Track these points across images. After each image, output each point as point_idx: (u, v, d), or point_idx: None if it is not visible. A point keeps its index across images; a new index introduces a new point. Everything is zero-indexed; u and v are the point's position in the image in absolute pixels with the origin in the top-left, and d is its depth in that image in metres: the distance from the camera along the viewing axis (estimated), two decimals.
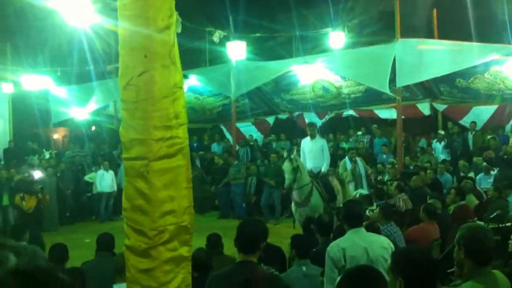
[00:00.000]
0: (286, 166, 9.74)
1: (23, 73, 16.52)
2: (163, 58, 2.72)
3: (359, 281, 2.47)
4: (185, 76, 17.07)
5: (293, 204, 10.12)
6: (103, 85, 17.54)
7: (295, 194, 9.90)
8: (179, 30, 2.86)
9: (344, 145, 16.21)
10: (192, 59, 16.60)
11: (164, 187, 2.68)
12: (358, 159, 12.27)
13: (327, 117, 17.61)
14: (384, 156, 14.94)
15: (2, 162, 16.08)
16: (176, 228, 2.72)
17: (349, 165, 12.03)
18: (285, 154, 10.45)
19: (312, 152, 10.74)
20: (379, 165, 13.69)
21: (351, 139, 16.77)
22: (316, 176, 10.47)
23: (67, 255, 6.13)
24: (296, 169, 9.61)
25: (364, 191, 10.35)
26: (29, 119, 18.18)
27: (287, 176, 9.70)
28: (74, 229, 13.43)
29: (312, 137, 10.83)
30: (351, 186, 11.66)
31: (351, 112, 17.06)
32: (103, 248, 6.60)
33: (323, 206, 9.97)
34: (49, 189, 13.01)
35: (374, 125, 16.50)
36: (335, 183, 10.91)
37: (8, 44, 17.17)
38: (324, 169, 10.63)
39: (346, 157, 12.36)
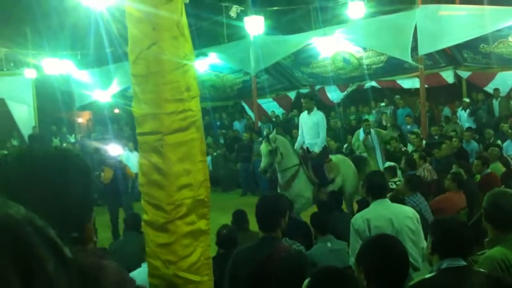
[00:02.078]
0: (263, 147, 8.76)
1: (44, 57, 16.68)
2: (171, 29, 2.66)
3: (378, 248, 2.44)
4: (205, 54, 17.09)
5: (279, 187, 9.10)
6: (123, 67, 17.58)
7: (279, 176, 8.91)
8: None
9: (367, 117, 16.02)
10: (210, 35, 16.54)
11: (179, 161, 2.65)
12: (373, 131, 12.10)
13: (348, 89, 17.43)
14: (408, 126, 14.72)
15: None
16: (193, 202, 2.69)
17: (362, 137, 11.90)
18: (265, 133, 9.56)
19: (308, 128, 9.48)
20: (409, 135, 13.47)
21: (373, 111, 16.58)
22: (306, 156, 9.23)
23: (95, 237, 6.30)
24: (273, 151, 8.60)
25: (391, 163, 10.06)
26: (53, 104, 18.40)
27: (263, 159, 8.73)
28: (101, 211, 13.58)
29: (309, 110, 9.50)
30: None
31: (373, 83, 16.85)
32: (130, 228, 6.75)
33: (311, 191, 8.92)
34: None
35: (397, 96, 16.24)
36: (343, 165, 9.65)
37: (28, 28, 17.31)
38: (317, 149, 9.20)
39: (361, 129, 12.22)
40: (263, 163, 8.71)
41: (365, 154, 11.56)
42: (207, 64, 17.44)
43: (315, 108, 9.53)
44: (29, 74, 17.05)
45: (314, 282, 2.20)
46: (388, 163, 9.81)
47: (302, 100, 10.00)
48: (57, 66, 16.33)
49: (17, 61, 17.70)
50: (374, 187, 4.43)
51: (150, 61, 2.64)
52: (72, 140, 17.14)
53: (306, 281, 2.22)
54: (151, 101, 2.66)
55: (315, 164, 9.12)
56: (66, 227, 1.18)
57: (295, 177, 8.80)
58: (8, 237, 0.58)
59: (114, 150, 10.65)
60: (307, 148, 9.33)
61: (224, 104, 19.76)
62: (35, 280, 0.57)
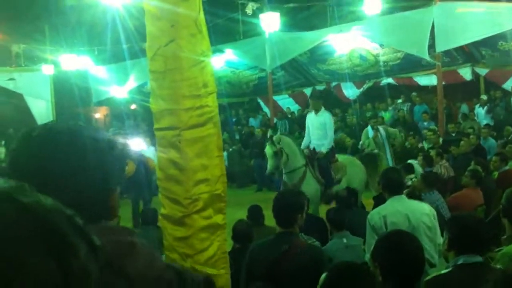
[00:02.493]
0: (267, 150, 8.59)
1: (62, 53, 16.84)
2: (189, 27, 2.70)
3: (394, 244, 2.45)
4: (221, 50, 17.14)
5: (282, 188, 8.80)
6: (140, 63, 17.70)
7: (285, 177, 8.75)
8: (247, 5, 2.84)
9: (383, 114, 15.95)
10: (225, 32, 16.56)
11: (196, 156, 2.69)
12: (381, 128, 12.06)
13: (365, 86, 17.35)
14: (425, 123, 14.64)
15: None
16: (209, 196, 2.73)
17: (371, 134, 11.87)
18: (269, 134, 9.40)
19: (314, 129, 9.19)
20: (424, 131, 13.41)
21: (390, 108, 16.50)
22: (313, 157, 8.98)
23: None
24: (278, 153, 8.43)
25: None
26: (70, 100, 18.57)
27: (269, 161, 8.60)
28: (124, 204, 13.71)
29: (316, 111, 9.14)
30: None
31: (389, 80, 16.75)
32: (147, 222, 6.88)
33: (319, 191, 8.74)
34: None
35: (414, 93, 16.14)
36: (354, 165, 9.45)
37: (46, 25, 17.49)
38: (324, 149, 8.93)
39: (369, 126, 12.18)
40: (269, 165, 8.63)
41: (376, 151, 11.54)
42: (223, 61, 17.48)
43: (323, 108, 9.18)
44: (47, 70, 17.22)
45: (332, 277, 2.22)
46: (410, 161, 9.73)
47: (309, 100, 9.84)
48: (74, 62, 16.48)
49: (35, 57, 17.89)
50: (391, 184, 4.43)
51: (168, 57, 2.68)
52: None
53: (323, 276, 2.23)
54: (168, 97, 2.70)
55: (322, 164, 8.92)
56: (90, 199, 1.23)
57: (303, 179, 8.63)
58: (40, 224, 0.60)
59: (137, 144, 10.82)
60: (314, 148, 9.09)
61: (240, 101, 19.80)
62: (70, 269, 0.59)
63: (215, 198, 2.77)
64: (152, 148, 15.02)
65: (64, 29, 17.00)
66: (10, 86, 16.98)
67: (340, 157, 9.49)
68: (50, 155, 1.22)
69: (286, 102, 18.81)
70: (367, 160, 9.81)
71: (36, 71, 17.53)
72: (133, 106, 21.04)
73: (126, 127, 17.95)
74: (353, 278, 2.20)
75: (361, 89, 17.30)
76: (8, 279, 0.53)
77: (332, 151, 9.23)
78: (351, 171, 9.20)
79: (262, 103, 19.25)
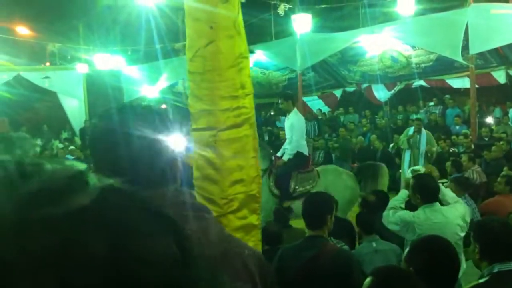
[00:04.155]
0: None
1: (95, 53, 17.13)
2: (228, 29, 2.73)
3: (431, 249, 2.43)
4: (251, 51, 17.14)
5: None
6: (171, 63, 17.92)
7: None
8: (279, 5, 2.88)
9: (414, 116, 15.75)
10: (257, 32, 16.60)
11: (232, 156, 2.72)
12: (425, 131, 11.80)
13: (396, 88, 17.18)
14: (457, 127, 14.41)
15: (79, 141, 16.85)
16: (245, 197, 2.76)
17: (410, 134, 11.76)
18: None
19: (286, 133, 8.27)
20: (453, 137, 13.21)
21: (421, 111, 16.30)
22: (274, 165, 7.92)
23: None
24: None
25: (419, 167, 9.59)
26: (102, 99, 18.86)
27: None
28: None
29: (287, 112, 7.99)
30: (407, 156, 11.40)
31: (421, 82, 16.54)
32: None
33: (271, 203, 7.51)
34: None
35: (447, 95, 15.91)
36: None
37: (81, 24, 17.81)
38: (285, 157, 7.88)
39: (412, 127, 12.06)
40: None
41: (408, 152, 11.43)
42: (253, 61, 17.52)
43: (294, 110, 7.93)
44: (81, 69, 17.54)
45: (377, 280, 2.19)
46: (417, 167, 9.42)
47: (279, 101, 8.55)
48: (108, 61, 16.75)
49: (69, 56, 18.25)
50: (426, 191, 4.33)
51: (207, 59, 2.72)
52: None
53: (368, 280, 2.21)
54: (206, 97, 2.74)
55: (280, 174, 7.78)
56: (161, 168, 1.39)
57: None
58: (165, 217, 0.61)
59: (177, 141, 10.96)
60: (281, 155, 8.06)
61: (269, 101, 19.80)
62: (186, 250, 0.59)
63: (250, 198, 2.80)
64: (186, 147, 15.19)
65: (99, 29, 17.29)
66: (45, 84, 17.35)
67: (321, 168, 8.51)
68: (128, 127, 1.36)
69: (315, 103, 18.74)
70: (366, 172, 8.52)
71: (70, 70, 17.87)
72: (163, 106, 21.23)
73: None
74: (400, 281, 2.18)
75: (392, 91, 17.13)
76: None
77: (300, 159, 7.94)
78: (329, 183, 7.75)
79: None
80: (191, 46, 2.79)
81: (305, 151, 8.05)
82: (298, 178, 7.76)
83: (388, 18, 14.95)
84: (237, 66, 2.76)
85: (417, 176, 5.37)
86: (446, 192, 4.72)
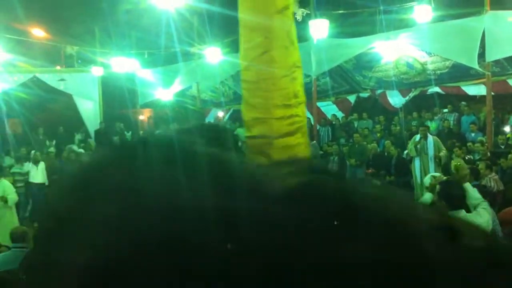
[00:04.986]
0: None
1: (111, 56, 17.24)
2: (282, 39, 2.77)
3: None
4: None
5: None
6: (186, 66, 18.02)
7: None
8: (296, 10, 2.91)
9: (429, 123, 15.71)
10: None
11: None
12: (431, 137, 11.86)
13: (411, 94, 17.16)
14: (473, 134, 14.36)
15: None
16: None
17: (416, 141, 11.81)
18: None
19: None
20: (469, 144, 13.17)
21: (436, 117, 16.26)
22: None
23: None
24: None
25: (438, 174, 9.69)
26: (117, 101, 18.98)
27: None
28: None
29: None
30: (417, 163, 11.51)
31: (436, 89, 16.52)
32: None
33: None
34: None
35: (463, 102, 15.87)
36: None
37: (96, 27, 17.93)
38: None
39: (418, 134, 12.11)
40: None
41: (418, 159, 11.48)
42: None
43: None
44: (96, 71, 17.64)
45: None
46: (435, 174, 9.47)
47: None
48: (124, 64, 16.84)
49: (85, 59, 18.36)
50: (451, 199, 4.30)
51: (261, 68, 2.76)
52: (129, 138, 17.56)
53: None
54: (260, 106, 2.77)
55: None
56: None
57: None
58: None
59: None
60: None
61: None
62: None
63: None
64: None
65: (115, 32, 17.40)
66: (61, 86, 17.46)
67: None
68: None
69: (329, 108, 18.75)
70: None
71: (85, 72, 17.99)
72: (177, 109, 21.33)
73: (171, 130, 18.17)
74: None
75: (407, 97, 17.11)
76: None
77: None
78: None
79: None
80: (246, 55, 2.83)
81: None
82: None
83: (404, 24, 14.96)
84: (291, 76, 2.80)
85: (443, 182, 5.28)
86: (472, 193, 4.70)
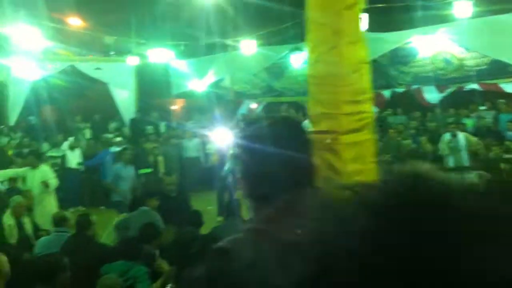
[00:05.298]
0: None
1: (147, 47, 17.42)
2: (350, 35, 2.78)
3: None
4: (299, 49, 17.18)
5: None
6: (220, 58, 18.08)
7: None
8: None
9: (465, 120, 15.46)
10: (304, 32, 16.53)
11: (352, 160, 2.76)
12: (460, 134, 11.74)
13: (447, 90, 16.87)
14: (511, 133, 14.09)
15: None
16: None
17: (447, 139, 11.68)
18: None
19: None
20: (507, 143, 12.93)
21: (472, 115, 15.97)
22: None
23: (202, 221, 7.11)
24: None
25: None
26: (151, 91, 19.15)
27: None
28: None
29: None
30: (450, 162, 11.44)
31: (474, 85, 16.22)
32: (234, 214, 7.19)
33: None
34: (172, 158, 13.85)
35: (501, 100, 15.56)
36: None
37: (133, 17, 18.11)
38: None
39: (448, 132, 11.97)
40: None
41: (452, 157, 11.36)
42: (303, 59, 17.53)
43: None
44: (132, 61, 17.83)
45: None
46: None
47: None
48: (161, 55, 16.99)
49: (122, 49, 18.57)
50: None
51: (329, 63, 2.76)
52: (163, 129, 17.68)
53: None
54: (328, 101, 2.78)
55: None
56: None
57: None
58: None
59: (219, 137, 11.12)
60: None
61: None
62: None
63: None
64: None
65: (152, 23, 17.56)
66: (97, 75, 17.71)
67: None
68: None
69: None
70: None
71: (121, 62, 18.20)
72: (209, 100, 21.43)
73: (204, 120, 18.30)
74: None
75: (444, 94, 16.82)
76: None
77: None
78: None
79: None
80: (313, 50, 2.84)
81: None
82: None
83: (442, 19, 14.73)
84: (359, 71, 2.80)
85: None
86: None
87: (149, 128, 17.42)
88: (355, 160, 2.77)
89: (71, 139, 14.28)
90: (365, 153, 2.81)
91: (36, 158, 10.51)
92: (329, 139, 2.74)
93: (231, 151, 11.52)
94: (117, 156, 11.75)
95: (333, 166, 2.75)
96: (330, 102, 2.78)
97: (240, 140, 1.73)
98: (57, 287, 4.51)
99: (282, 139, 1.64)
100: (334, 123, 2.76)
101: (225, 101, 19.59)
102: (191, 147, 15.23)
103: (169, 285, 5.47)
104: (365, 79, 2.86)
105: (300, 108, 18.41)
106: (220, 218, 10.58)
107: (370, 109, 2.87)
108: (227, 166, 10.45)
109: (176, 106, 21.23)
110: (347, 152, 2.75)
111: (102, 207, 12.60)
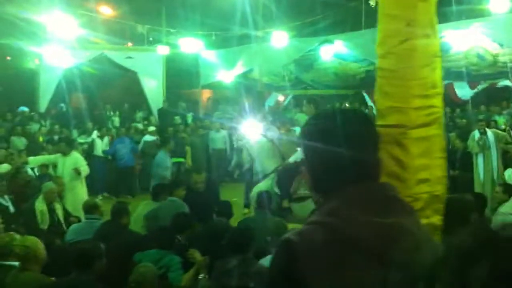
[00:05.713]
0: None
1: (177, 36, 17.47)
2: (424, 27, 2.73)
3: None
4: (330, 41, 17.07)
5: None
6: (249, 49, 18.05)
7: None
8: None
9: (497, 117, 15.23)
10: (335, 22, 16.48)
11: (420, 155, 2.71)
12: (489, 131, 11.58)
13: (479, 87, 16.60)
14: None
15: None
16: (429, 197, 2.75)
17: (477, 137, 11.53)
18: None
19: None
20: None
21: (504, 112, 15.74)
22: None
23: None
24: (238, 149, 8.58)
25: None
26: (180, 81, 19.23)
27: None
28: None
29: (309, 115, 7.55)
30: (480, 160, 11.31)
31: (507, 82, 15.93)
32: (262, 206, 7.23)
33: (276, 203, 8.15)
34: (199, 149, 13.97)
35: None
36: None
37: (164, 6, 18.17)
38: (294, 158, 8.14)
39: (476, 130, 11.83)
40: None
41: (481, 155, 11.32)
42: (332, 52, 17.44)
43: None
44: (162, 50, 17.90)
45: None
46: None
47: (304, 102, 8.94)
48: (191, 44, 17.02)
49: (152, 38, 18.67)
50: None
51: (401, 56, 2.72)
52: (190, 119, 17.72)
53: None
54: (397, 95, 2.74)
55: (283, 173, 8.21)
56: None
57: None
58: None
59: (249, 129, 11.09)
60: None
61: (344, 93, 19.61)
62: None
63: (435, 198, 2.79)
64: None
65: (183, 12, 17.60)
66: (128, 64, 17.83)
67: None
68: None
69: None
70: None
71: (151, 52, 18.28)
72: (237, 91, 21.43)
73: (231, 112, 18.33)
74: None
75: (475, 90, 16.57)
76: None
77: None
78: None
79: (367, 97, 18.96)
80: (384, 42, 2.80)
81: None
82: (302, 181, 7.70)
83: (477, 14, 14.50)
84: (431, 65, 2.76)
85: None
86: None
87: (177, 118, 17.47)
88: (423, 155, 2.73)
89: (100, 128, 14.41)
90: (433, 148, 2.77)
91: (67, 145, 10.56)
92: (397, 133, 2.71)
93: (240, 143, 11.49)
94: (158, 145, 11.89)
95: (401, 161, 2.71)
96: (400, 96, 2.73)
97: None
98: (93, 274, 4.54)
99: (350, 133, 1.64)
100: (403, 117, 2.72)
101: (253, 93, 19.55)
102: (218, 138, 15.24)
103: (202, 275, 5.49)
104: (437, 73, 2.81)
105: (363, 100, 18.37)
106: (246, 210, 10.60)
107: (440, 104, 2.82)
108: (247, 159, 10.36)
109: (204, 96, 21.27)
110: (415, 147, 2.71)
111: (129, 196, 12.74)
